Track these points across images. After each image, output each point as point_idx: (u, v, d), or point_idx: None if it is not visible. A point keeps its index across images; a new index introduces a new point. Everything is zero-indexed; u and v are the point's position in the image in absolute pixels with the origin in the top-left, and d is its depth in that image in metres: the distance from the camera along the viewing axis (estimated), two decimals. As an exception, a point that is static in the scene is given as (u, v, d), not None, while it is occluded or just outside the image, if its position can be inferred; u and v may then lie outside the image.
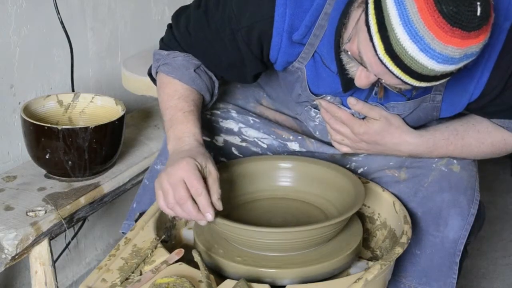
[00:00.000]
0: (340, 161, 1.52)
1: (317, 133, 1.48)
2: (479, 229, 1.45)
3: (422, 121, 1.41)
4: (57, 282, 1.56)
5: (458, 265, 1.38)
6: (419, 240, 1.39)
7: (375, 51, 1.07)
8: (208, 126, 1.50)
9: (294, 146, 1.52)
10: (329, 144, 1.53)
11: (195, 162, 1.18)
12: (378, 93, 1.28)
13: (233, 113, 1.51)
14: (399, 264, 1.40)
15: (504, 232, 2.46)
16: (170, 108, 1.33)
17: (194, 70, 1.37)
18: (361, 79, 1.17)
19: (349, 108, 1.38)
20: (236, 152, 1.50)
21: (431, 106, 1.36)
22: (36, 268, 1.51)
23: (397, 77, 1.09)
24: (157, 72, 1.41)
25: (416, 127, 1.42)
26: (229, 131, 1.50)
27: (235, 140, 1.51)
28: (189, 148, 1.25)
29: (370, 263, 1.27)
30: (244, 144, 1.51)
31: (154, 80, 1.44)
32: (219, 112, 1.51)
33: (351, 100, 1.28)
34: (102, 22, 2.02)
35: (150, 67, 1.45)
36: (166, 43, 1.41)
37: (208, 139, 1.48)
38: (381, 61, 1.07)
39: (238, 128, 1.50)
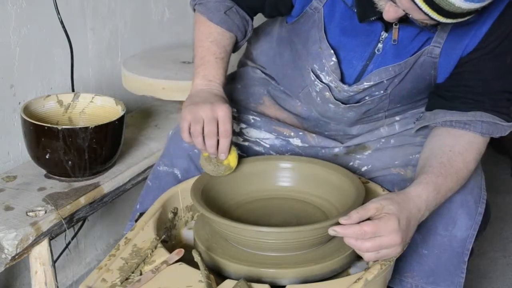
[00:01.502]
0: (343, 159, 1.52)
1: (318, 99, 1.49)
2: (485, 228, 1.45)
3: (420, 81, 1.41)
4: (57, 282, 1.56)
5: (466, 265, 1.39)
6: (427, 239, 1.39)
7: None
8: None
9: (296, 142, 1.53)
10: (330, 138, 1.54)
11: (229, 107, 1.34)
12: (393, 34, 1.33)
13: (234, 113, 1.51)
14: (405, 264, 1.40)
15: (504, 232, 2.46)
16: (203, 47, 1.46)
17: (225, 12, 1.46)
18: (390, 13, 1.21)
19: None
20: (238, 152, 1.51)
21: (429, 62, 1.37)
22: (36, 268, 1.51)
23: (425, 13, 1.14)
24: (194, 9, 1.52)
25: (413, 94, 1.44)
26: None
27: (237, 140, 1.51)
28: (220, 94, 1.40)
29: (370, 263, 1.27)
30: (246, 143, 1.51)
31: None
32: None
33: (342, 221, 1.19)
34: (102, 22, 2.02)
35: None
36: None
37: None
38: None
39: (239, 129, 1.51)
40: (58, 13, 1.81)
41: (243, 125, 1.51)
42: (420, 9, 1.14)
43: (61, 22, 1.82)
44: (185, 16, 2.42)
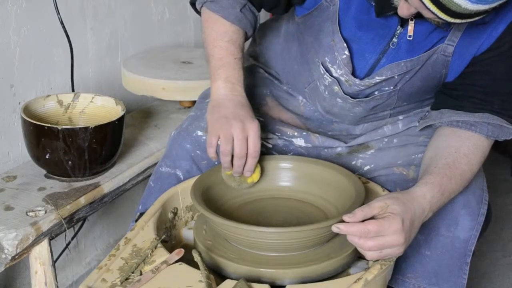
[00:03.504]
0: (346, 158, 1.52)
1: (326, 93, 1.48)
2: (486, 229, 1.45)
3: (430, 80, 1.41)
4: (57, 282, 1.56)
5: (468, 266, 1.39)
6: (429, 240, 1.39)
7: None
8: None
9: (299, 142, 1.53)
10: (334, 137, 1.54)
11: (259, 124, 1.33)
12: (408, 30, 1.34)
13: None
14: (408, 265, 1.40)
15: (504, 232, 2.46)
16: (220, 47, 1.42)
17: (240, 10, 1.43)
18: (403, 9, 1.23)
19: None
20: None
21: (441, 60, 1.37)
22: (36, 268, 1.51)
23: (433, 13, 1.15)
24: (201, 6, 1.47)
25: (420, 93, 1.44)
26: None
27: None
28: (246, 103, 1.38)
29: (370, 263, 1.27)
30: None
31: (196, 11, 1.52)
32: None
33: (346, 218, 1.19)
34: (102, 22, 2.02)
35: None
36: None
37: None
38: None
39: None
40: (58, 13, 1.81)
41: None
42: (428, 8, 1.15)
43: (61, 22, 1.82)
44: (185, 16, 2.42)
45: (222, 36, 1.42)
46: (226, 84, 1.38)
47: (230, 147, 1.30)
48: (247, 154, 1.32)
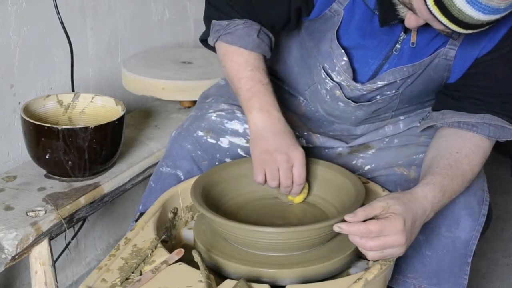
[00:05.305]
0: (347, 158, 1.52)
1: (328, 97, 1.48)
2: (486, 229, 1.45)
3: (431, 83, 1.41)
4: (57, 282, 1.56)
5: (469, 266, 1.39)
6: (430, 241, 1.39)
7: (425, 2, 1.14)
8: (213, 127, 1.49)
9: (301, 142, 1.53)
10: (335, 138, 1.54)
11: (303, 151, 1.33)
12: (411, 37, 1.34)
13: (238, 114, 1.51)
14: (409, 265, 1.40)
15: (504, 232, 2.46)
16: (246, 78, 1.40)
17: (257, 36, 1.41)
18: (411, 21, 1.23)
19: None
20: (242, 153, 1.50)
21: (443, 64, 1.37)
22: (36, 268, 1.51)
23: (444, 25, 1.15)
24: (216, 41, 1.45)
25: (422, 95, 1.44)
26: (235, 133, 1.50)
27: (241, 141, 1.50)
28: (284, 129, 1.36)
29: (370, 263, 1.27)
30: (249, 145, 1.50)
31: (208, 46, 1.50)
32: (224, 113, 1.51)
33: (347, 218, 1.19)
34: (102, 22, 2.02)
35: (203, 33, 1.49)
36: (219, 9, 1.42)
37: (213, 141, 1.48)
38: (430, 11, 1.14)
39: (243, 129, 1.50)
40: (58, 13, 1.81)
41: (247, 125, 1.51)
42: (439, 21, 1.15)
43: (61, 22, 1.82)
44: (185, 16, 2.42)
45: (245, 66, 1.41)
46: (261, 113, 1.37)
47: (277, 182, 1.33)
48: (293, 181, 1.34)
